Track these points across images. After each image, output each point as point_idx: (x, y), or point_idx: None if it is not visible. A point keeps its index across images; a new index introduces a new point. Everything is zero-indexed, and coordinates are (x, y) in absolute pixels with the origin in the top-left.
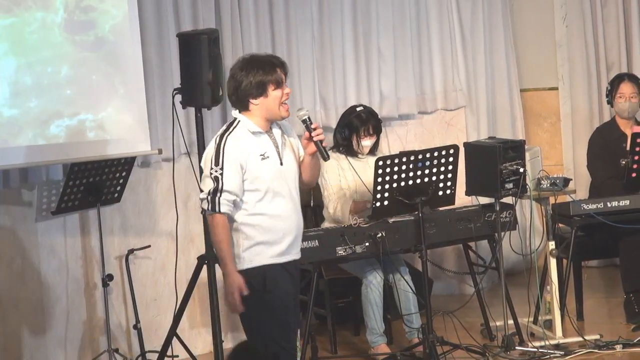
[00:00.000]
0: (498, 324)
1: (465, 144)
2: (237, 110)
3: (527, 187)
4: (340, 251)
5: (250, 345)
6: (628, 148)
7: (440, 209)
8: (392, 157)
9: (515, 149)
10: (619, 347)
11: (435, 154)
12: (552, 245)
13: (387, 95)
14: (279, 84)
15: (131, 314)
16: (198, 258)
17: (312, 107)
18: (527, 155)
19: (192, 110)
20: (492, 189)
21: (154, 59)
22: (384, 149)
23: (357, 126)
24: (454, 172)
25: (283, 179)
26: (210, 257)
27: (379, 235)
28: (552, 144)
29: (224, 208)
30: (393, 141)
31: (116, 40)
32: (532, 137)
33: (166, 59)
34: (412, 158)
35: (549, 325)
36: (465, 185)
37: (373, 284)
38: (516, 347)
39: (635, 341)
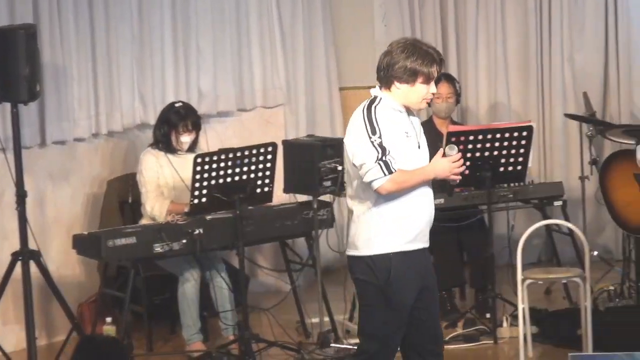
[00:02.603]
0: (314, 321)
1: (284, 142)
2: (378, 88)
3: (345, 185)
4: (158, 248)
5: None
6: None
7: (258, 206)
8: (211, 154)
9: (333, 147)
10: None
11: (254, 151)
12: None
13: (206, 93)
14: (427, 80)
15: None
16: (12, 254)
17: (131, 104)
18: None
19: (7, 105)
20: (310, 187)
21: None
22: (203, 146)
23: (175, 122)
24: (272, 169)
25: (419, 164)
26: (24, 254)
27: (197, 232)
28: None
29: (396, 166)
30: (212, 138)
31: None
32: None
33: None
34: (230, 155)
35: None
36: (284, 182)
37: (190, 281)
38: (332, 345)
39: (447, 339)
